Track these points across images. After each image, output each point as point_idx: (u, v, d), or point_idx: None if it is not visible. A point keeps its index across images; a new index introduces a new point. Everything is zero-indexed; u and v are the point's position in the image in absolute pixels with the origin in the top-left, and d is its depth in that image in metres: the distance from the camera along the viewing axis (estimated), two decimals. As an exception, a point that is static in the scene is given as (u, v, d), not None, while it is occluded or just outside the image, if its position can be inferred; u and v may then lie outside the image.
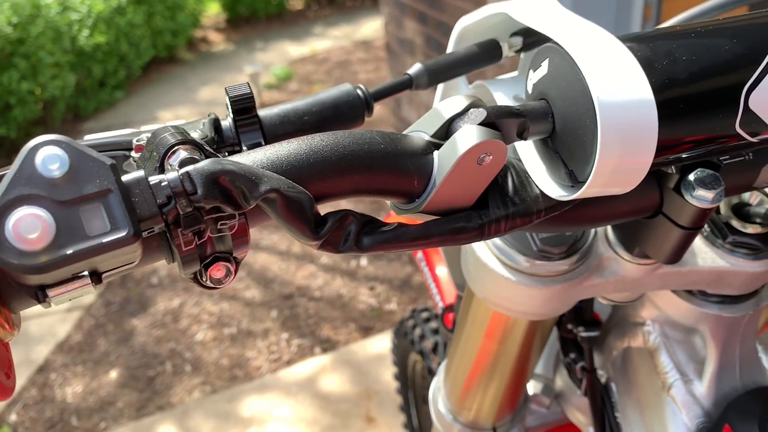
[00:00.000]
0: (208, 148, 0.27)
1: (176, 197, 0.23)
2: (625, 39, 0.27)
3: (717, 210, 0.43)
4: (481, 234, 0.29)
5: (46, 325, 2.37)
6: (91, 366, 2.20)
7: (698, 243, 0.44)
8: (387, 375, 1.92)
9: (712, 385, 0.46)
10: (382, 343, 2.08)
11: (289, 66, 4.88)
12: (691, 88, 0.26)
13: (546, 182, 0.30)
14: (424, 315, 1.23)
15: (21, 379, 2.15)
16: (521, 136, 0.28)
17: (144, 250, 0.25)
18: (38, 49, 3.62)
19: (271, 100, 4.34)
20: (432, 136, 0.29)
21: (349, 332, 2.19)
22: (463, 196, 0.29)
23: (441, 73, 0.45)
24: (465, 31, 0.45)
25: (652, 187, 0.33)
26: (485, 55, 0.44)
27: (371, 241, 0.28)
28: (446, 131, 0.28)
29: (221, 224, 0.25)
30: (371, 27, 5.56)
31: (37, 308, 0.25)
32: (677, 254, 0.35)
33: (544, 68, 0.29)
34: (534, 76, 0.30)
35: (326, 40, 5.45)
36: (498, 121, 0.27)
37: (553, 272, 0.41)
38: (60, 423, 1.99)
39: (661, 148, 0.26)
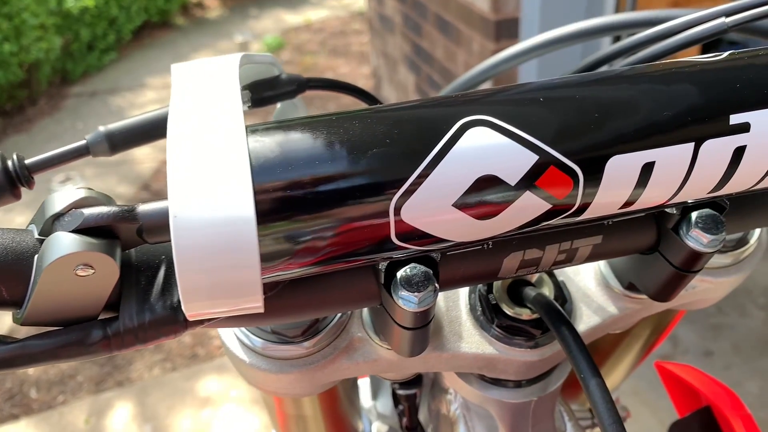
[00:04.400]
0: None
1: None
2: (263, 130, 0.22)
3: (489, 288, 0.39)
4: (108, 348, 0.25)
5: (14, 295, 2.36)
6: (55, 338, 2.20)
7: (467, 325, 0.39)
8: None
9: None
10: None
11: (282, 35, 4.78)
12: (325, 198, 0.21)
13: None
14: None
15: (-16, 348, 2.15)
16: (144, 238, 0.24)
17: None
18: (21, 11, 3.55)
19: (262, 70, 4.27)
20: (40, 234, 0.24)
21: (314, 314, 2.18)
22: (79, 306, 0.24)
23: (127, 138, 0.38)
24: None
25: (369, 280, 0.29)
26: None
27: None
28: (50, 230, 0.23)
29: None
30: (370, -3, 5.43)
31: None
32: (413, 349, 0.31)
33: None
34: None
35: (323, 10, 5.34)
36: (110, 224, 0.23)
37: (288, 356, 0.37)
38: (19, 395, 2.00)
39: (295, 259, 0.22)
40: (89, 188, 0.25)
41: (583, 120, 0.22)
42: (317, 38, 4.74)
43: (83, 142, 0.38)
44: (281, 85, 0.39)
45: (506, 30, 1.64)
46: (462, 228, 0.23)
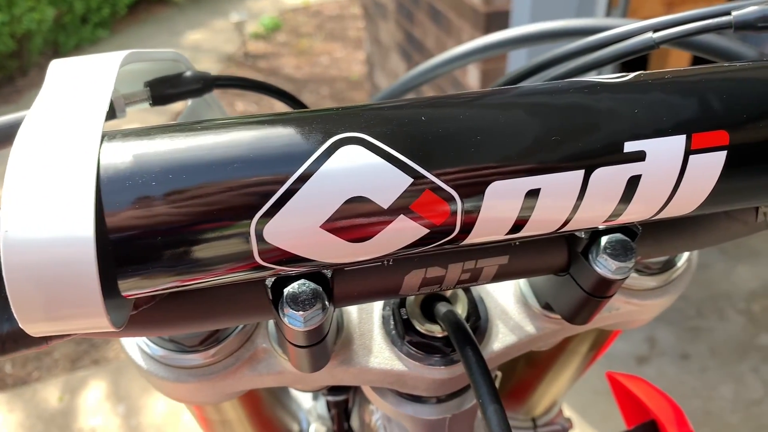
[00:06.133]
0: None
1: None
2: (122, 138, 0.20)
3: (402, 303, 0.38)
4: None
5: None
6: (33, 313, 2.19)
7: (378, 339, 0.38)
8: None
9: None
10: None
11: (279, 16, 4.73)
12: (179, 216, 0.20)
13: None
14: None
15: (-40, 321, 2.14)
16: None
17: None
18: (14, -20, 3.50)
19: (257, 50, 4.22)
20: None
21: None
22: None
23: None
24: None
25: (260, 294, 0.27)
26: None
27: None
28: None
29: None
30: (370, -19, 5.37)
31: None
32: (311, 365, 0.29)
33: None
34: None
35: (322, -8, 5.27)
36: None
37: (186, 365, 0.36)
38: (-6, 369, 1.99)
39: (151, 279, 0.21)
40: None
41: (463, 142, 0.21)
42: (314, 21, 4.69)
43: None
44: (185, 83, 0.38)
45: (496, 22, 1.62)
46: (334, 250, 0.21)
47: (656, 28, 0.29)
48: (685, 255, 0.40)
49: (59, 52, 4.15)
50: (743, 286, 2.04)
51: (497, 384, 0.53)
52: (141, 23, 4.77)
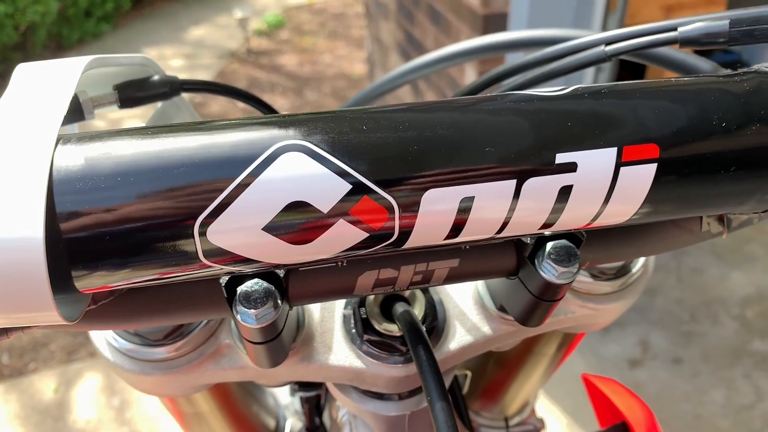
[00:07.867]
0: None
1: None
2: (76, 141, 0.21)
3: (362, 302, 0.39)
4: None
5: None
6: (31, 305, 2.20)
7: (339, 337, 0.39)
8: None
9: None
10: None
11: (283, 13, 4.74)
12: (127, 217, 0.20)
13: None
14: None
15: (-41, 311, 2.15)
16: None
17: None
18: (18, -28, 3.51)
19: (260, 47, 4.23)
20: None
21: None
22: None
23: None
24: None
25: (217, 291, 0.28)
26: None
27: None
28: None
29: None
30: (375, -20, 5.37)
31: None
32: (269, 361, 0.30)
33: None
34: None
35: (326, -10, 5.28)
36: None
37: (151, 358, 0.37)
38: (-10, 359, 2.00)
39: (102, 277, 0.21)
40: None
41: (400, 151, 0.22)
42: (318, 19, 4.70)
43: None
44: (153, 87, 0.39)
45: (494, 24, 1.62)
46: (277, 252, 0.22)
47: (609, 42, 0.30)
48: (641, 261, 0.41)
49: (63, 45, 4.16)
50: (737, 292, 2.05)
51: (467, 383, 0.54)
52: (144, 18, 4.79)
